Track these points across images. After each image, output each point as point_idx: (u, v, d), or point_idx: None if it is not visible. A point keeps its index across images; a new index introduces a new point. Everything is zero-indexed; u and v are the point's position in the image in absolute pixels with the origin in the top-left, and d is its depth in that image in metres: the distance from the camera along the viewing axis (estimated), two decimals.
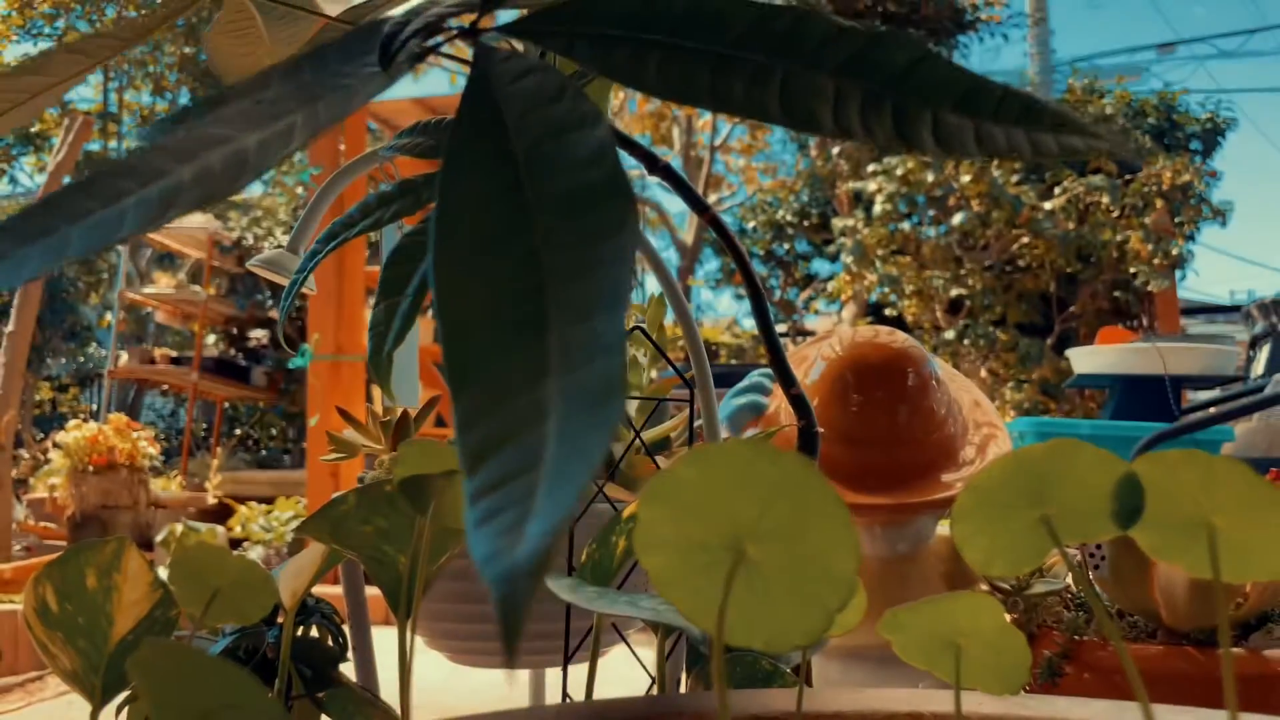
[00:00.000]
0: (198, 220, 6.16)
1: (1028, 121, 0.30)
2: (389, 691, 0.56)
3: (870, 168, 6.14)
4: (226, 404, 7.20)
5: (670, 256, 8.85)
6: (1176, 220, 5.74)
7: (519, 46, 0.45)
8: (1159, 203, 5.63)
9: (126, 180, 0.31)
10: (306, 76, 0.35)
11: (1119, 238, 5.52)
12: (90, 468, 3.91)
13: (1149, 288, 5.48)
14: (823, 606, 0.30)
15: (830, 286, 6.82)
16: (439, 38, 0.38)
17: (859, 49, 0.32)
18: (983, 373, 5.61)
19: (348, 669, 0.58)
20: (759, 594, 0.30)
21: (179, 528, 3.39)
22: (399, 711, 0.43)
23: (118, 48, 0.56)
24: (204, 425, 7.82)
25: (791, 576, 0.30)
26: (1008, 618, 0.36)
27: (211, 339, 7.35)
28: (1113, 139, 0.30)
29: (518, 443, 0.24)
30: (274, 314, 7.13)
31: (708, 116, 8.61)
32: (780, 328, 8.54)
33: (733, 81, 0.32)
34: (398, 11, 0.38)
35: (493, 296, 0.27)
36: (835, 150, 6.99)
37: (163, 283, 6.50)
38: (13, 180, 8.89)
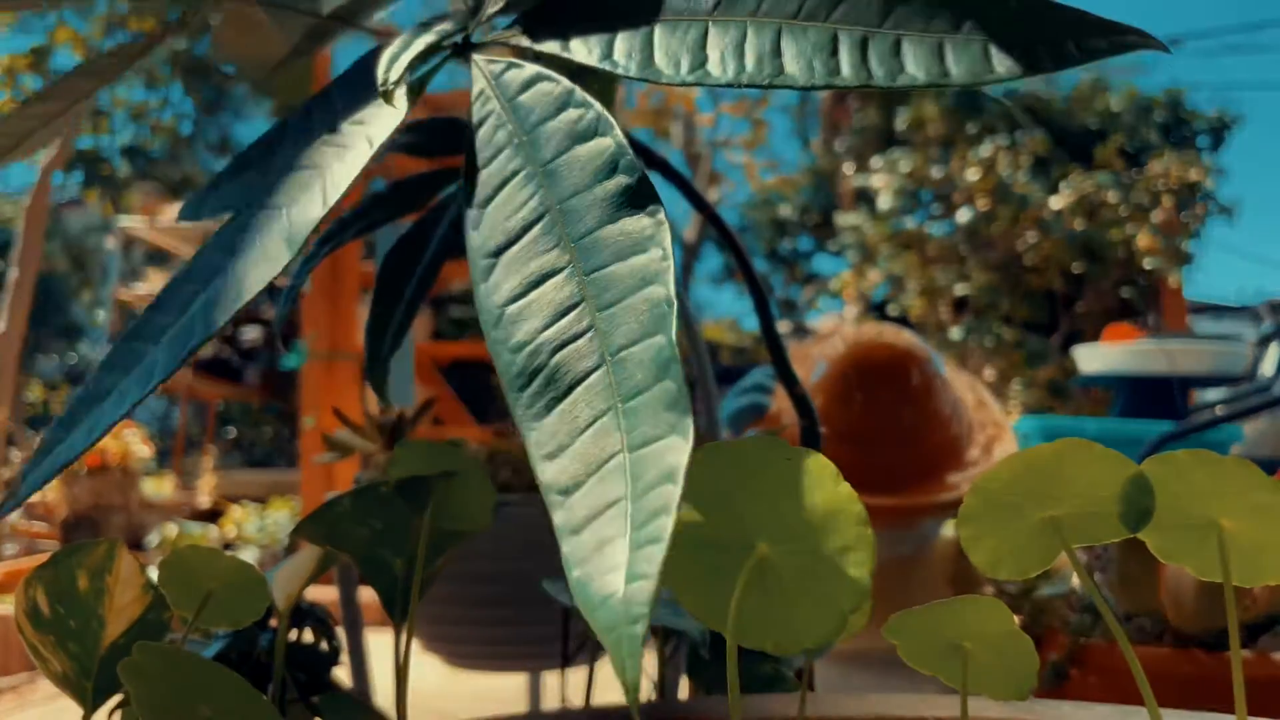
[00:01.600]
0: None
1: (1045, 31, 0.29)
2: (385, 696, 0.55)
3: (875, 162, 6.11)
4: (220, 404, 7.19)
5: None
6: (1183, 217, 5.72)
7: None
8: (1166, 200, 5.61)
9: (191, 285, 0.33)
10: (317, 129, 0.36)
11: (1127, 234, 5.50)
12: (82, 469, 3.89)
13: (1165, 279, 5.45)
14: (836, 607, 0.29)
15: (833, 284, 6.80)
16: (434, 61, 0.37)
17: None
18: (988, 372, 5.60)
19: (342, 673, 0.58)
20: (771, 594, 0.29)
21: (174, 529, 3.38)
22: (395, 716, 0.42)
23: (119, 68, 0.55)
24: (197, 426, 7.82)
25: (805, 576, 0.29)
26: (1015, 621, 0.36)
27: None
28: (1137, 35, 0.28)
29: (600, 475, 0.24)
30: (268, 314, 7.12)
31: (708, 111, 8.60)
32: (783, 326, 8.51)
33: (742, 52, 0.31)
34: (392, 46, 0.38)
35: (544, 328, 0.27)
36: (842, 147, 6.98)
37: (155, 280, 6.48)
38: (4, 179, 8.88)
